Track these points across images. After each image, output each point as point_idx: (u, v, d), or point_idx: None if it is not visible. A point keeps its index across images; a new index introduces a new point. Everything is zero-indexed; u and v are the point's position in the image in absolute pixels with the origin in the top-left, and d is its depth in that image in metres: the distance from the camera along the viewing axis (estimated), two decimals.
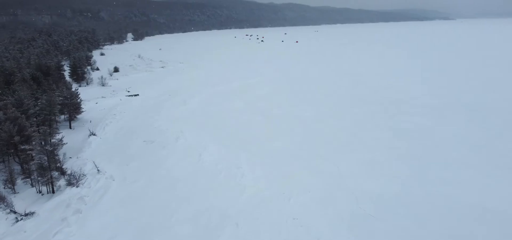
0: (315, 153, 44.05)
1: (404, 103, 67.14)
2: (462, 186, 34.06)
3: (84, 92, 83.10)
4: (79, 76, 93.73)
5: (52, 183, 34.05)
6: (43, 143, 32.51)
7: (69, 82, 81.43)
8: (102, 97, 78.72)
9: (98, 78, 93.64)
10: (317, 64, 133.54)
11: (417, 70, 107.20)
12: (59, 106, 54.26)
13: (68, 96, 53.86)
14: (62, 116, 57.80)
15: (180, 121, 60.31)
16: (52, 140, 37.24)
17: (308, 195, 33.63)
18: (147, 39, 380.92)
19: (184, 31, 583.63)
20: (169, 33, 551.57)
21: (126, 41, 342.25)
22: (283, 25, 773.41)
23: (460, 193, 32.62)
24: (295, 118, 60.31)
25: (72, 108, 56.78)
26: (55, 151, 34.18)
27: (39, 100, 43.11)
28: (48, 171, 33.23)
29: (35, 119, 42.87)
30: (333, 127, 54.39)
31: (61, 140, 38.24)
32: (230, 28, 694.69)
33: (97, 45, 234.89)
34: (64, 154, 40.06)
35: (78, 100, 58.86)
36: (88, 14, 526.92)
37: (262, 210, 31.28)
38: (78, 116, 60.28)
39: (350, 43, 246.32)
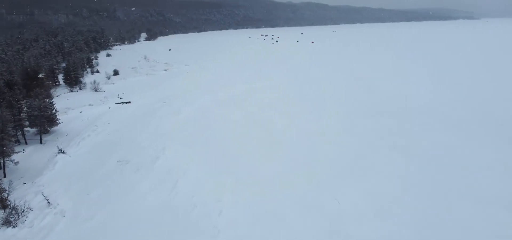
0: (313, 181, 36.45)
1: (422, 115, 58.47)
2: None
3: (73, 98, 77.86)
4: (73, 80, 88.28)
5: None
6: None
7: (48, 88, 75.20)
8: (90, 104, 72.50)
9: (91, 83, 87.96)
10: (329, 66, 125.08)
11: (439, 75, 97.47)
12: (28, 119, 48.52)
13: (37, 108, 47.75)
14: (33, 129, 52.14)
15: (167, 135, 53.60)
16: None
17: None
18: (160, 39, 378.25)
19: (200, 31, 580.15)
20: (184, 32, 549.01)
21: (138, 41, 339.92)
22: (301, 25, 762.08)
23: None
24: (298, 132, 52.76)
25: (45, 121, 50.79)
26: None
27: None
28: None
29: None
30: (340, 145, 46.52)
31: None
32: (247, 28, 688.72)
33: (106, 45, 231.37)
34: (10, 181, 33.90)
35: (53, 110, 52.89)
36: (104, 13, 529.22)
37: None
38: (54, 128, 54.34)
39: (368, 43, 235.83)
